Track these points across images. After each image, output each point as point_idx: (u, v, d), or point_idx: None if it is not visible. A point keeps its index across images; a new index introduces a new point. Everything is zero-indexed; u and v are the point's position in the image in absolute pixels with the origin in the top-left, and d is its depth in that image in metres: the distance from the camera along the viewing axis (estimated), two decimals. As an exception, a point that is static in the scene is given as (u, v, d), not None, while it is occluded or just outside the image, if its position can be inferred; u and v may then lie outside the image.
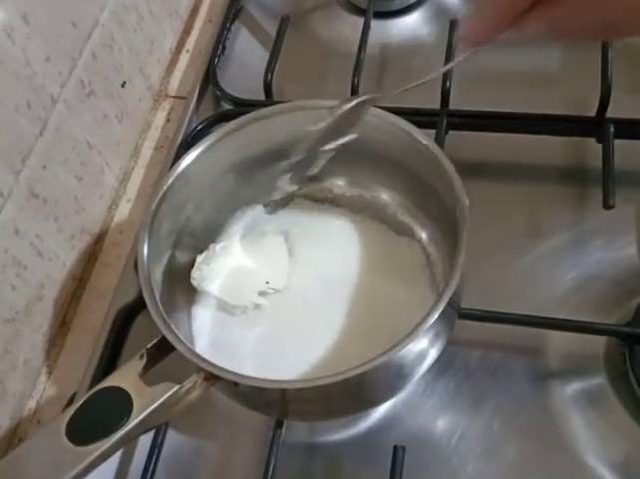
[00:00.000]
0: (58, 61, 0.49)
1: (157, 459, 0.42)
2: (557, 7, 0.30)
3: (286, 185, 0.47)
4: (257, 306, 0.44)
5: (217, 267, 0.44)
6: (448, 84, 0.52)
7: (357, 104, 0.39)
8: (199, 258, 0.44)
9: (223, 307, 0.44)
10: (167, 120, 0.64)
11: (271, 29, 0.62)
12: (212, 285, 0.44)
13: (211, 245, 0.45)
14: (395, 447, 0.40)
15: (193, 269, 0.44)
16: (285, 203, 0.48)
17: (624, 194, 0.47)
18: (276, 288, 0.44)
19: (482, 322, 0.44)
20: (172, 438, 0.43)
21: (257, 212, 0.48)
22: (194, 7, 0.71)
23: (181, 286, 0.44)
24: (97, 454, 0.33)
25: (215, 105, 0.60)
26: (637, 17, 0.29)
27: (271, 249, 0.45)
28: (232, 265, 0.44)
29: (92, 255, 0.56)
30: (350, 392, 0.37)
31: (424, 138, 0.40)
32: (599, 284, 0.47)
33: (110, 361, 0.47)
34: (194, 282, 0.43)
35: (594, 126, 0.50)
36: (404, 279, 0.43)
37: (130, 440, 0.35)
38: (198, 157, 0.42)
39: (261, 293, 0.44)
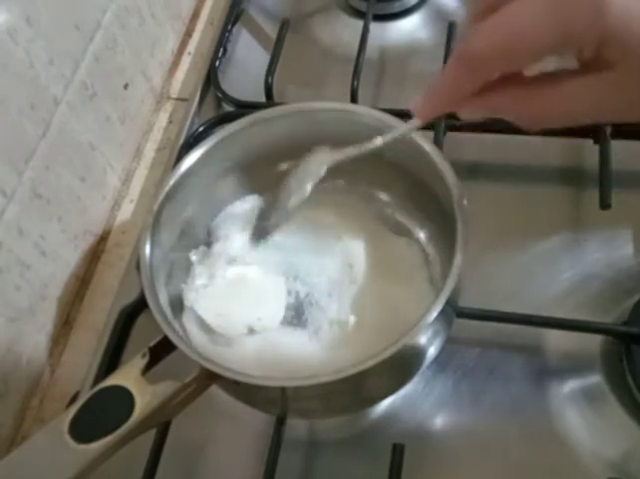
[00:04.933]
0: (61, 63, 0.50)
1: (158, 457, 0.42)
2: (497, 94, 0.28)
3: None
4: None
5: (214, 291, 0.43)
6: (447, 85, 0.52)
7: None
8: (198, 279, 0.44)
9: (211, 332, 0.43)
10: (169, 121, 0.64)
11: (272, 32, 0.63)
12: (204, 309, 0.43)
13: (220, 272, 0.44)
14: (394, 445, 0.40)
15: (187, 289, 0.43)
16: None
17: (621, 194, 0.47)
18: (266, 327, 0.43)
19: (481, 321, 0.44)
20: (174, 436, 0.43)
21: (256, 211, 0.48)
22: (196, 10, 0.72)
23: (182, 291, 0.44)
24: (99, 452, 0.34)
25: (217, 107, 0.61)
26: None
27: (271, 287, 0.44)
28: (229, 292, 0.44)
29: (95, 256, 0.56)
30: (349, 390, 0.37)
31: (422, 139, 0.40)
32: (596, 284, 0.47)
33: (112, 360, 0.48)
34: (187, 303, 0.43)
35: (591, 127, 0.50)
36: (402, 279, 0.43)
37: (132, 438, 0.35)
38: (200, 158, 0.43)
39: (250, 329, 0.43)
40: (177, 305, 0.43)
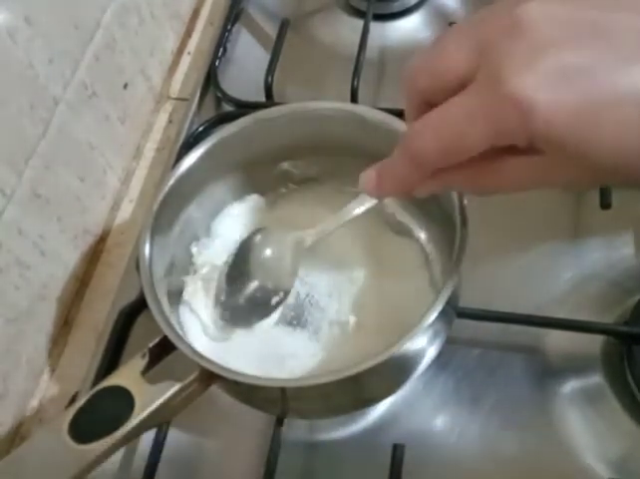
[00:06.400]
0: (60, 62, 0.50)
1: (158, 457, 0.42)
2: (443, 175, 0.29)
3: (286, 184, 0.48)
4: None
5: (211, 288, 0.44)
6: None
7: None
8: (199, 270, 0.44)
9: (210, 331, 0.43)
10: (169, 121, 0.64)
11: (272, 31, 0.63)
12: (201, 304, 0.43)
13: (209, 265, 0.45)
14: (394, 445, 0.40)
15: (189, 282, 0.44)
16: (284, 203, 0.48)
17: (621, 193, 0.47)
18: (262, 325, 0.43)
19: (481, 321, 0.44)
20: (174, 436, 0.43)
21: (256, 211, 0.48)
22: (195, 9, 0.72)
23: (183, 286, 0.44)
24: (99, 453, 0.34)
25: (216, 106, 0.61)
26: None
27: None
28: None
29: (94, 256, 0.56)
30: (349, 390, 0.37)
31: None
32: (597, 284, 0.47)
33: (112, 360, 0.47)
34: (185, 297, 0.43)
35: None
36: (402, 279, 0.43)
37: (132, 438, 0.35)
38: (200, 158, 0.43)
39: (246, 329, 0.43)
40: (177, 305, 0.43)
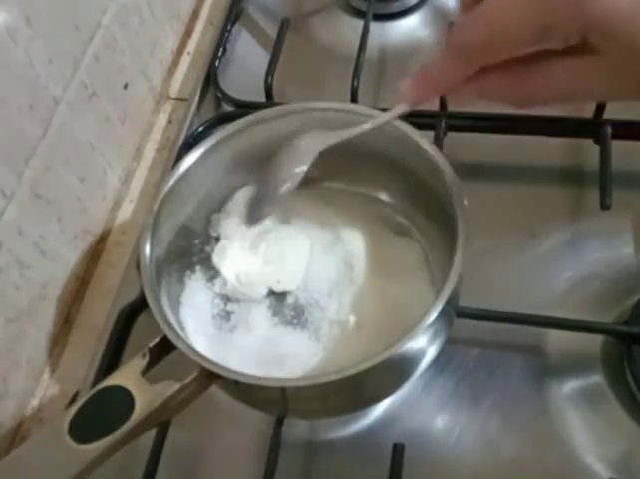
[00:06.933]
0: (60, 63, 0.50)
1: (158, 457, 0.42)
2: (484, 78, 0.29)
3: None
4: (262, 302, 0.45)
5: (239, 253, 0.45)
6: (447, 85, 0.52)
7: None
8: (224, 241, 0.45)
9: (232, 294, 0.44)
10: (169, 121, 0.64)
11: (272, 31, 0.63)
12: (229, 269, 0.45)
13: (241, 231, 0.46)
14: (394, 445, 0.40)
15: (217, 248, 0.45)
16: (285, 203, 0.48)
17: (621, 194, 0.47)
18: (286, 290, 0.44)
19: (481, 321, 0.44)
20: (174, 436, 0.43)
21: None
22: (196, 9, 0.72)
23: (183, 285, 0.44)
24: (99, 453, 0.34)
25: (216, 106, 0.61)
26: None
27: (295, 250, 0.46)
28: (254, 254, 0.45)
29: (94, 255, 0.56)
30: (349, 391, 0.37)
31: (422, 139, 0.41)
32: (596, 284, 0.47)
33: (112, 360, 0.47)
34: (215, 260, 0.45)
35: (592, 127, 0.50)
36: (402, 279, 0.43)
37: (132, 438, 0.35)
38: (200, 158, 0.43)
39: (270, 291, 0.44)
40: (177, 305, 0.43)
